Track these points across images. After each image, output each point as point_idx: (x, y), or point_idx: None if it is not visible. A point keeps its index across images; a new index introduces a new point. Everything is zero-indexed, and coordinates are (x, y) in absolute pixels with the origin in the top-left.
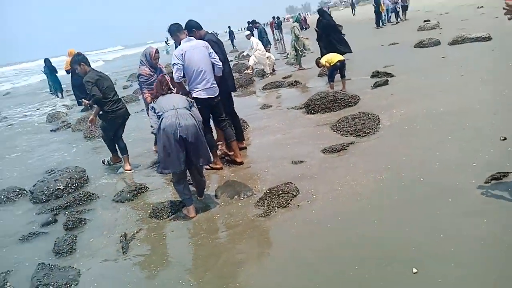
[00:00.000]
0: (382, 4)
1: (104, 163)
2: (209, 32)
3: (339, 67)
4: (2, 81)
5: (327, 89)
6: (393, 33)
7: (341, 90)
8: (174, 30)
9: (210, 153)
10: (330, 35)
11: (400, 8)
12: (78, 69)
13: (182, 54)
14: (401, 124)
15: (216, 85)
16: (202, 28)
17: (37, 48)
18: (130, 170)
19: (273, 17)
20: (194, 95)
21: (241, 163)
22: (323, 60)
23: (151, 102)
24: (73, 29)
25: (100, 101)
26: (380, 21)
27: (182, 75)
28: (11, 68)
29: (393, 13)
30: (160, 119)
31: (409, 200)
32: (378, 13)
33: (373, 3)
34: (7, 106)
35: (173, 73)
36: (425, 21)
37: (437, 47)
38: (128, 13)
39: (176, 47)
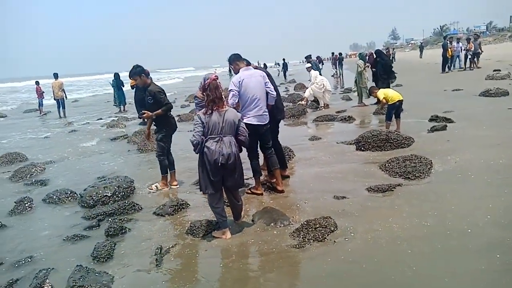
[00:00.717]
0: (449, 49)
1: (152, 191)
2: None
3: (398, 107)
4: (74, 89)
5: (380, 128)
6: (458, 80)
7: (395, 131)
8: (233, 59)
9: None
10: (387, 74)
11: (471, 55)
12: (138, 80)
13: (239, 81)
14: (455, 171)
15: (267, 113)
16: (250, 64)
17: (112, 62)
18: (176, 186)
19: (332, 53)
20: (245, 120)
21: (282, 191)
22: (381, 95)
23: (202, 110)
24: (147, 48)
25: (171, 108)
26: (447, 66)
27: (236, 101)
28: (85, 78)
29: (463, 60)
30: (205, 140)
31: (452, 251)
32: (445, 57)
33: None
34: (73, 113)
35: (229, 98)
36: (494, 70)
37: (505, 98)
38: (200, 36)
39: (236, 73)
